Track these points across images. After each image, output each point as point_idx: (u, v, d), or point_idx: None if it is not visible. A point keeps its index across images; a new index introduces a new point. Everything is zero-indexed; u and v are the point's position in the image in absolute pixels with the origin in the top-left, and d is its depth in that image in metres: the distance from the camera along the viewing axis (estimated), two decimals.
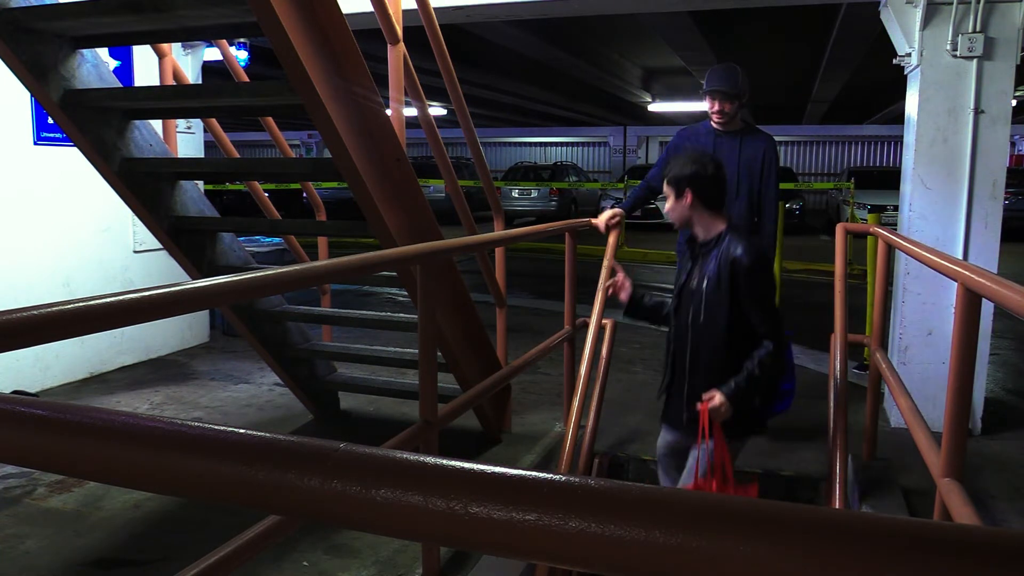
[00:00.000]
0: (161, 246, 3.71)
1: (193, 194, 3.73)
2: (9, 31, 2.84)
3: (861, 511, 1.69)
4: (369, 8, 3.02)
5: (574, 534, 0.54)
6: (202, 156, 6.00)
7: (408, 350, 4.30)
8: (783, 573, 0.50)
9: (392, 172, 3.16)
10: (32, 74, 2.95)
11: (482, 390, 3.11)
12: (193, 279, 2.77)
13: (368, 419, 4.63)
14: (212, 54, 5.99)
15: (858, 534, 0.50)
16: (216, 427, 0.68)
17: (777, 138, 4.41)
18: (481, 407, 4.05)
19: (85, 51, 3.18)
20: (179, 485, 0.70)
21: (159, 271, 5.74)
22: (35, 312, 1.14)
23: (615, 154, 26.73)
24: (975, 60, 4.07)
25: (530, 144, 29.76)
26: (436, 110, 16.92)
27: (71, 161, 4.77)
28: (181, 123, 5.60)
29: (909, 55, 4.27)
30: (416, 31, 3.52)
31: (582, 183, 19.36)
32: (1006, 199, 9.82)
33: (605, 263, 3.43)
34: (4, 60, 2.92)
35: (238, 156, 4.34)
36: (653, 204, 3.47)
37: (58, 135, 4.96)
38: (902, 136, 4.76)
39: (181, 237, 3.64)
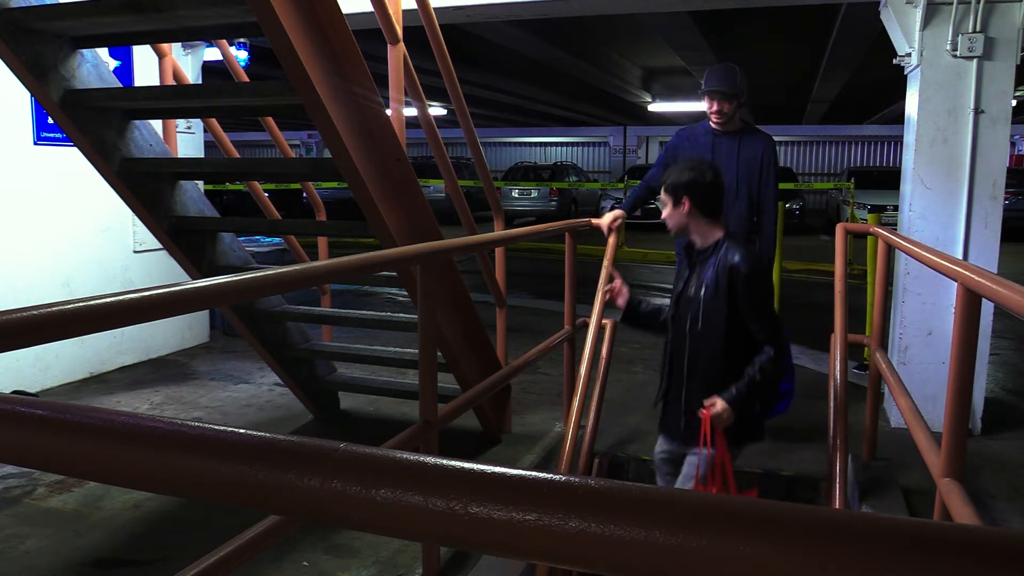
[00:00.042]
0: (161, 246, 3.71)
1: (193, 194, 3.73)
2: (9, 31, 2.84)
3: (861, 511, 1.69)
4: (369, 8, 3.03)
5: (574, 534, 0.54)
6: (202, 156, 5.99)
7: (408, 350, 4.30)
8: (783, 573, 0.50)
9: (392, 172, 3.16)
10: (32, 74, 2.95)
11: (482, 390, 3.11)
12: (193, 279, 2.77)
13: (368, 419, 4.63)
14: (212, 54, 5.99)
15: (858, 534, 0.50)
16: (216, 427, 0.68)
17: (777, 138, 4.42)
18: (481, 407, 4.05)
19: (85, 51, 3.18)
20: (179, 485, 0.70)
21: (159, 271, 5.74)
22: (35, 312, 1.14)
23: (615, 154, 26.72)
24: (975, 60, 4.07)
25: (530, 144, 29.74)
26: (436, 110, 16.92)
27: (71, 161, 4.77)
28: (181, 123, 5.60)
29: (909, 55, 4.27)
30: (416, 31, 3.52)
31: (582, 183, 19.35)
32: (1006, 199, 9.82)
33: (605, 264, 3.45)
34: (4, 60, 2.92)
35: (238, 156, 4.34)
36: (653, 204, 3.47)
37: (58, 135, 4.95)
38: (902, 136, 4.76)
39: (181, 237, 3.64)
